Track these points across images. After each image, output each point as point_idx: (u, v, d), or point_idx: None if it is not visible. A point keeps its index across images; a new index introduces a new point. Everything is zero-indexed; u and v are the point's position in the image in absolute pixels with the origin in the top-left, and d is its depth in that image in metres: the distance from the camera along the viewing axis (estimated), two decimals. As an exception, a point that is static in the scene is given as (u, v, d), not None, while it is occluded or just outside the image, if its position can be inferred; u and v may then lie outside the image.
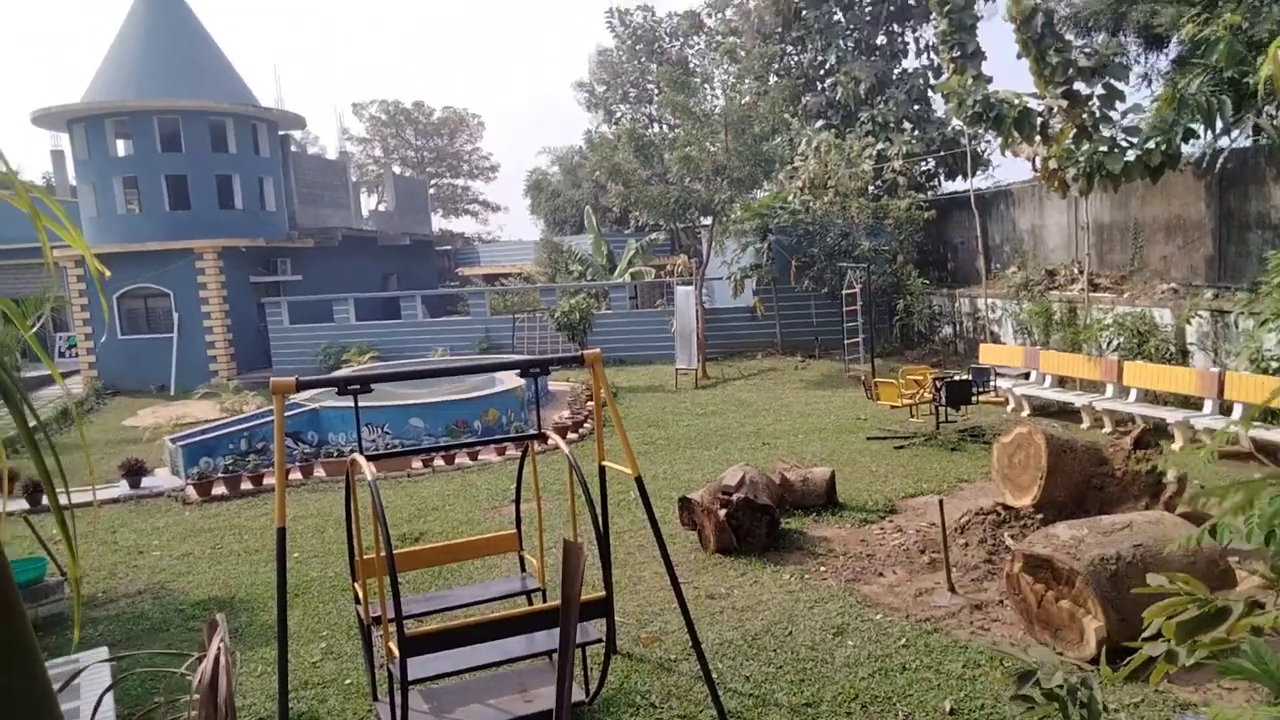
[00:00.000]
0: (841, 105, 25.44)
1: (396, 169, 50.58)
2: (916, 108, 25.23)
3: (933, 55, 24.83)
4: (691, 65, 29.19)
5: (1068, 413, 13.38)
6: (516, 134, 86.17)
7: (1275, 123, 11.26)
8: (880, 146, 23.42)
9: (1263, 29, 10.90)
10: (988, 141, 21.93)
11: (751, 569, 7.90)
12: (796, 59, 26.99)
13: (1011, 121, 13.62)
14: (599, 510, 5.21)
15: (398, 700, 4.80)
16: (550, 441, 5.72)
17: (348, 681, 6.19)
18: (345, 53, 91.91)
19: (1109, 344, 13.96)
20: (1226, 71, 10.73)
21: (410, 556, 6.31)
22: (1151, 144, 12.01)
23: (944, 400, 12.31)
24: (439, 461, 12.68)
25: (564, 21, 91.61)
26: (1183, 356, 13.24)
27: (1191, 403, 11.90)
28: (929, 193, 24.64)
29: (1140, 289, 15.11)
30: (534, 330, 23.87)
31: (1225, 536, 2.73)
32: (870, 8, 25.85)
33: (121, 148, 26.26)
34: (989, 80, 14.63)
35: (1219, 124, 11.02)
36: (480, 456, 12.94)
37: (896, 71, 25.85)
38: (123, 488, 12.19)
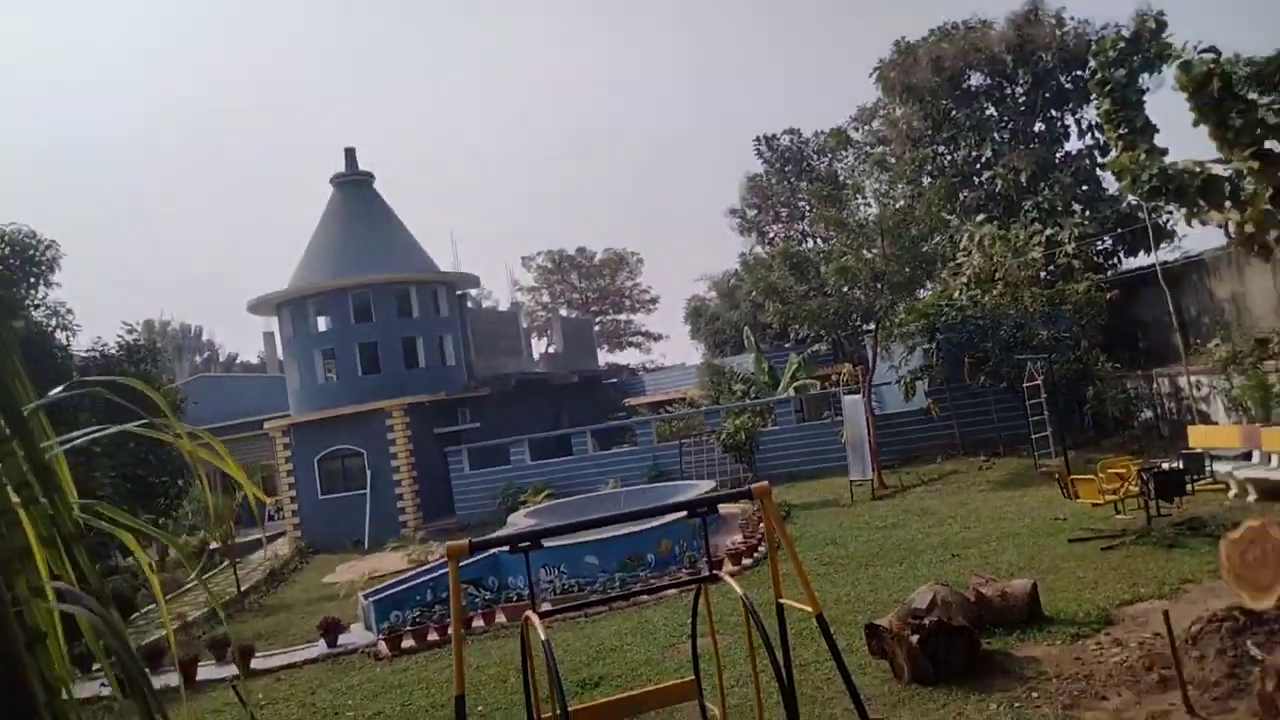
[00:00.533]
0: (1002, 197, 24.78)
1: (563, 312, 53.11)
2: (1085, 188, 24.25)
3: (1097, 134, 23.91)
4: (842, 179, 29.44)
5: (1305, 495, 11.77)
6: (674, 265, 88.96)
7: None
8: (1049, 232, 22.47)
9: None
10: (1169, 213, 20.60)
11: (953, 700, 7.20)
12: (949, 158, 26.70)
13: (1196, 191, 12.77)
14: (780, 653, 4.92)
15: None
16: (725, 581, 5.52)
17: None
18: (514, 210, 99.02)
19: (1345, 414, 12.32)
20: None
21: (587, 713, 6.16)
22: (1363, 197, 10.87)
23: (1154, 492, 11.12)
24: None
25: (714, 154, 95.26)
26: None
27: None
28: (1109, 272, 23.24)
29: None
30: (701, 454, 23.79)
31: None
32: (1024, 97, 25.39)
33: (322, 323, 29.03)
34: (1164, 152, 13.87)
35: None
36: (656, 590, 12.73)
37: (1059, 155, 25.05)
38: (321, 646, 12.79)
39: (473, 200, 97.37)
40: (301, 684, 11.41)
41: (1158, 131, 14.36)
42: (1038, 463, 17.92)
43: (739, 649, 8.82)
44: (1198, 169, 12.71)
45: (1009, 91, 25.79)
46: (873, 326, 21.34)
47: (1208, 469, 12.11)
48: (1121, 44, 15.44)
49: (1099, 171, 24.27)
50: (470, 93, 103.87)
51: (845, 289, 20.46)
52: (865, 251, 20.36)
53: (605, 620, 11.86)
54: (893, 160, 22.79)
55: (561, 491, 24.24)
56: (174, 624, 15.48)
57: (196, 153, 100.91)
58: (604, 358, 52.99)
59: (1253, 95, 12.65)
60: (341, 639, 12.87)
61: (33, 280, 10.66)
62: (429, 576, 14.08)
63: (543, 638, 4.58)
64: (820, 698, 7.76)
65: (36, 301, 10.54)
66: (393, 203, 31.27)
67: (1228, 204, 12.49)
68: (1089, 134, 24.88)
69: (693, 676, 6.25)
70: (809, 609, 5.15)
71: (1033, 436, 18.32)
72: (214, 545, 19.11)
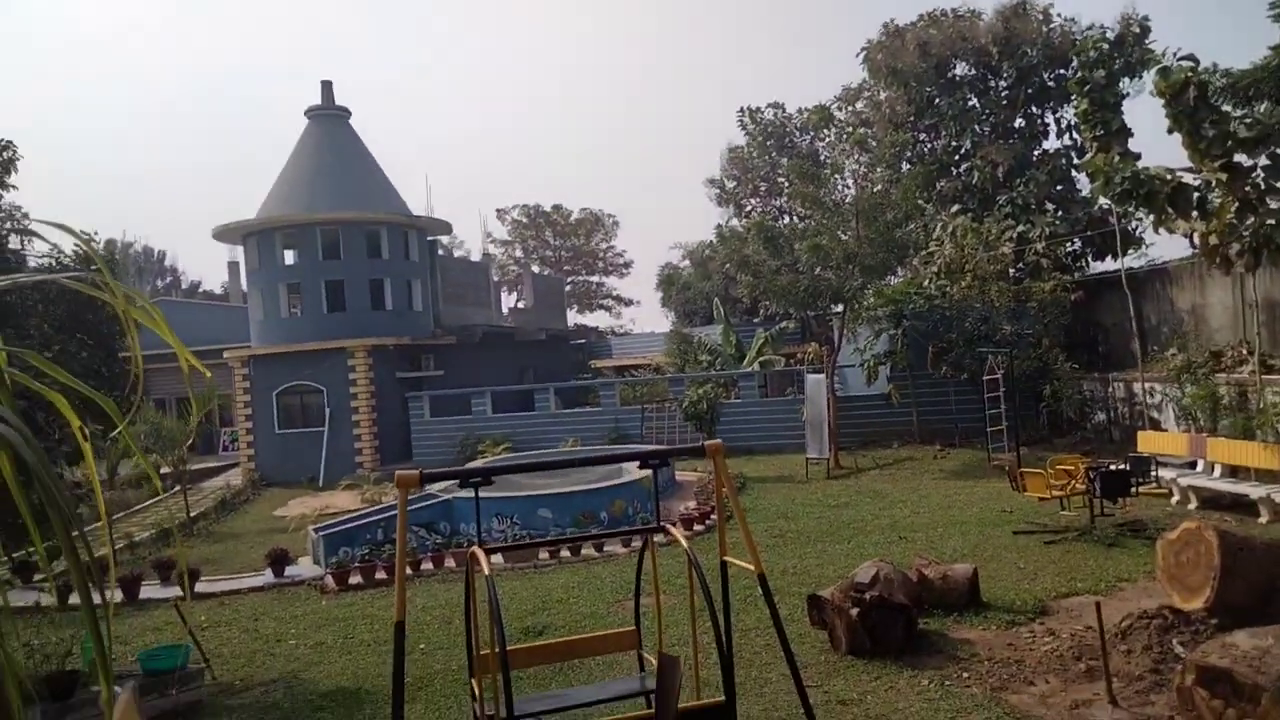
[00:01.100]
0: (978, 189, 24.89)
1: (535, 268, 52.70)
2: (1059, 188, 24.41)
3: (1075, 135, 24.06)
4: (822, 157, 29.36)
5: (1242, 505, 12.11)
6: (649, 231, 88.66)
7: None
8: (1021, 229, 22.66)
9: None
10: (1139, 219, 20.87)
11: (886, 673, 7.37)
12: (930, 145, 26.73)
13: (1165, 198, 12.93)
14: (720, 609, 4.98)
15: None
16: (671, 535, 5.56)
17: (463, 778, 6.08)
18: (491, 160, 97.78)
19: (1288, 430, 12.66)
20: None
21: (527, 653, 6.21)
22: (1327, 215, 11.09)
23: (1099, 492, 11.39)
24: (565, 553, 12.66)
25: (697, 122, 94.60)
26: (1377, 443, 11.84)
27: (1392, 495, 10.56)
28: (1076, 274, 23.54)
29: (1322, 370, 13.74)
30: (663, 420, 23.90)
31: None
32: (1007, 92, 25.43)
33: (289, 257, 28.54)
34: (1137, 157, 14.01)
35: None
36: (606, 548, 12.85)
37: (1036, 153, 25.18)
38: (268, 576, 12.77)
39: (450, 148, 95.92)
40: (245, 610, 11.39)
41: (1132, 136, 14.50)
42: (991, 456, 18.25)
43: (683, 610, 8.95)
44: (1169, 176, 12.88)
45: (992, 84, 25.83)
46: (841, 308, 21.46)
47: (1153, 473, 12.40)
48: (1104, 45, 15.54)
49: (1074, 173, 24.47)
50: (455, 43, 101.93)
51: (817, 268, 20.53)
52: (840, 232, 20.43)
53: (554, 573, 11.95)
54: (874, 143, 22.81)
55: (521, 446, 24.25)
56: (120, 543, 15.33)
57: (170, 72, 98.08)
58: (573, 318, 52.79)
59: (1227, 107, 12.83)
60: (288, 571, 12.86)
61: (-13, 181, 10.26)
62: (381, 516, 14.07)
63: (486, 572, 4.59)
64: (758, 661, 7.92)
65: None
66: (369, 142, 30.74)
67: (1194, 214, 12.69)
68: (1067, 134, 25.03)
69: (633, 627, 6.30)
70: (751, 568, 5.22)
71: (988, 430, 18.64)
72: (165, 469, 18.89)
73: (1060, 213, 23.85)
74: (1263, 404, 13.59)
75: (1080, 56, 15.66)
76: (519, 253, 59.21)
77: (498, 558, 12.20)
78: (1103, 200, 19.41)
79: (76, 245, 9.83)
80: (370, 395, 26.18)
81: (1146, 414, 17.70)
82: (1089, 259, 24.87)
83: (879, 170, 22.32)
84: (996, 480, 15.71)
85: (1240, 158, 12.26)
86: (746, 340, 30.98)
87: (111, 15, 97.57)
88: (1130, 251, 21.11)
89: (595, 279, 60.58)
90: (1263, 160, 12.18)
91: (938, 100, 25.77)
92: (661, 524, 5.71)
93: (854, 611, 7.82)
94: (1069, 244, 23.88)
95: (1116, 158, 13.84)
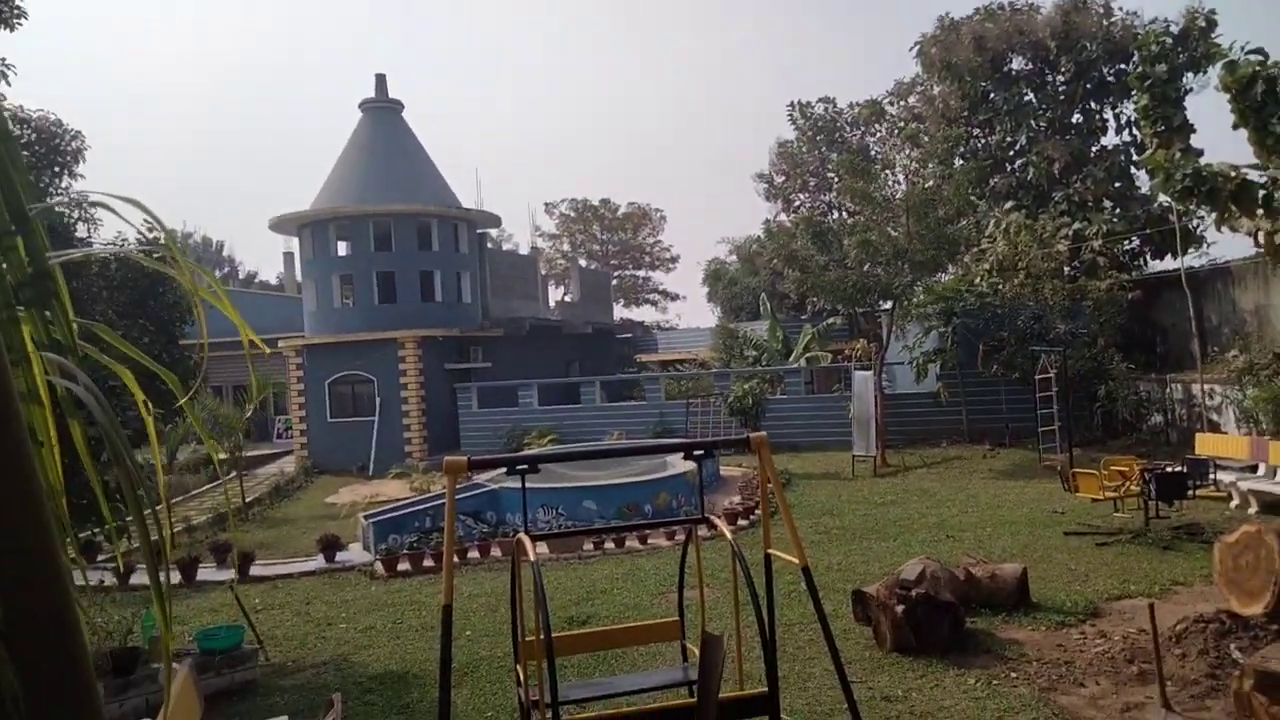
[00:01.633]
0: (1033, 186, 24.45)
1: (582, 262, 52.95)
2: (1118, 185, 23.88)
3: (1135, 131, 23.49)
4: (873, 153, 29.02)
5: (1306, 511, 11.76)
6: (696, 226, 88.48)
7: None
8: (1077, 226, 22.19)
9: None
10: (1200, 217, 20.32)
11: (932, 671, 7.31)
12: (984, 141, 26.32)
13: (1228, 195, 12.59)
14: (763, 601, 4.98)
15: None
16: (715, 527, 5.56)
17: (508, 762, 6.17)
18: (541, 155, 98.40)
19: (1356, 434, 12.25)
20: None
21: (571, 640, 6.27)
22: (1399, 212, 10.71)
23: (1154, 494, 11.13)
24: (609, 544, 12.75)
25: (746, 117, 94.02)
26: None
27: None
28: (1134, 273, 23.00)
29: (1394, 372, 13.26)
30: (707, 415, 23.88)
31: None
32: (1065, 87, 24.92)
33: (342, 248, 29.07)
34: (1199, 153, 13.65)
35: None
36: (650, 540, 12.91)
37: (1094, 149, 24.64)
38: (319, 561, 13.08)
39: (500, 142, 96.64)
40: (298, 594, 11.68)
41: (1195, 132, 14.14)
42: (1042, 456, 17.93)
43: (726, 603, 8.95)
44: (1233, 173, 12.55)
45: (1050, 79, 25.33)
46: (890, 304, 21.22)
47: (1211, 476, 12.09)
48: (1167, 39, 15.17)
49: (1133, 169, 23.92)
50: (507, 37, 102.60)
51: (866, 264, 20.33)
52: (890, 228, 20.20)
53: (598, 564, 12.04)
54: (926, 138, 22.50)
55: (566, 438, 24.41)
56: (178, 526, 15.80)
57: (229, 66, 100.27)
58: (619, 312, 52.94)
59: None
60: (340, 556, 13.14)
61: (57, 170, 10.65)
62: (429, 504, 14.30)
63: (532, 559, 4.63)
64: (802, 656, 7.89)
65: (60, 191, 10.54)
66: (420, 135, 31.12)
67: (1260, 212, 12.34)
68: (1127, 130, 24.47)
69: (676, 618, 6.32)
70: (795, 560, 5.20)
71: (1040, 430, 18.31)
72: (222, 455, 19.40)
73: (1118, 210, 23.35)
74: (1329, 407, 13.17)
75: (1142, 51, 15.31)
76: (566, 246, 59.55)
77: (543, 547, 12.32)
78: (1163, 197, 18.96)
79: (140, 234, 10.15)
80: (419, 386, 26.55)
81: (1205, 416, 17.25)
82: (1147, 257, 24.32)
83: (931, 166, 22.01)
84: (1047, 481, 15.44)
85: (1311, 154, 11.90)
86: (793, 336, 30.79)
87: (167, 6, 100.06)
88: (1190, 250, 20.60)
89: (642, 273, 60.69)
90: (1333, 156, 11.82)
91: (992, 95, 25.36)
92: (706, 516, 5.71)
93: (899, 608, 7.75)
94: (1127, 242, 23.36)
95: (1178, 154, 13.52)
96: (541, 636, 4.56)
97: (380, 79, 30.48)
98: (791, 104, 38.81)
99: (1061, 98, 25.03)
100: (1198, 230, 21.47)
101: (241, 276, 65.95)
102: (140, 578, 11.90)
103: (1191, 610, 7.84)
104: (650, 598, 10.14)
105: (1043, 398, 18.34)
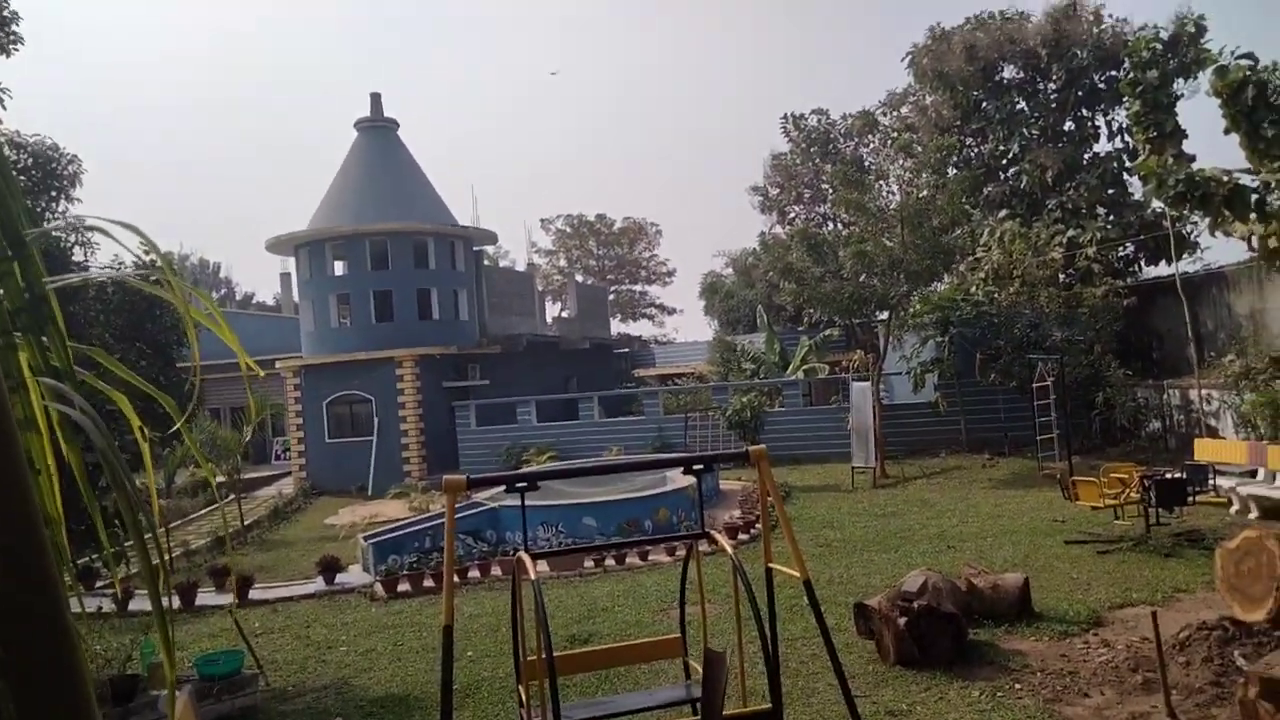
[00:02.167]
0: (1026, 194, 24.54)
1: (579, 278, 53.04)
2: (1111, 192, 23.96)
3: (1127, 137, 23.60)
4: (867, 163, 29.15)
5: (1307, 515, 11.76)
6: (692, 239, 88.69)
7: None
8: (1071, 233, 22.26)
9: None
10: (1194, 223, 20.40)
11: (936, 684, 7.28)
12: (976, 150, 26.42)
13: (1221, 200, 12.65)
14: (765, 616, 4.95)
15: None
16: (716, 542, 5.54)
17: (510, 784, 6.13)
18: (536, 171, 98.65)
19: (1354, 437, 12.27)
20: None
21: (573, 659, 6.23)
22: (1393, 213, 10.76)
23: (1154, 501, 11.13)
24: (610, 561, 12.70)
25: (741, 130, 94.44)
26: None
27: None
28: (1129, 279, 23.07)
29: (1389, 374, 13.30)
30: (706, 429, 23.86)
31: None
32: (1057, 94, 25.05)
33: (339, 268, 29.10)
34: (1192, 158, 13.72)
35: None
36: (651, 556, 12.87)
37: (1087, 156, 24.74)
38: (319, 583, 13.02)
39: (495, 158, 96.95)
40: (298, 617, 11.62)
41: (1187, 137, 14.21)
42: (1041, 465, 17.93)
43: (728, 618, 8.92)
44: (1225, 178, 12.60)
45: (1041, 87, 25.46)
46: (886, 315, 21.25)
47: (1210, 482, 12.09)
48: (1157, 45, 15.26)
49: (1126, 176, 24.00)
50: (501, 54, 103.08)
51: (862, 275, 20.37)
52: (885, 238, 20.25)
53: (598, 581, 11.99)
54: (919, 148, 22.59)
55: (565, 454, 24.37)
56: (176, 550, 15.74)
57: (224, 87, 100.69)
58: (617, 327, 52.99)
59: (1286, 106, 12.52)
60: (339, 578, 13.08)
61: (54, 194, 10.67)
62: (429, 525, 14.24)
63: (533, 577, 4.60)
64: (805, 670, 7.86)
65: (56, 216, 10.55)
66: (416, 153, 31.23)
67: (1253, 216, 12.40)
68: (1119, 136, 24.58)
69: (678, 635, 6.28)
70: (797, 574, 5.18)
71: (1039, 438, 18.31)
72: (220, 478, 19.35)
73: (1112, 217, 23.42)
74: (1327, 411, 13.19)
75: (1132, 57, 15.39)
76: (563, 262, 59.64)
77: (543, 565, 12.27)
78: (1156, 203, 19.03)
79: (137, 256, 10.15)
80: (417, 404, 26.53)
81: (1203, 421, 17.27)
82: (1142, 263, 24.38)
83: (924, 175, 22.09)
84: (1047, 489, 15.44)
85: (1301, 158, 11.97)
86: (790, 348, 30.82)
87: (164, 26, 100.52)
88: (1185, 255, 20.66)
89: (639, 288, 60.79)
90: (1324, 160, 11.88)
91: (985, 104, 25.48)
92: (707, 530, 5.68)
93: (902, 621, 7.72)
94: (1121, 248, 23.43)
95: (1170, 160, 13.58)
96: (543, 656, 4.54)
97: (375, 98, 30.62)
98: (785, 116, 38.99)
99: (1053, 105, 25.16)
100: (1191, 236, 21.54)
101: (239, 298, 65.98)
102: (139, 604, 11.86)
103: (1194, 617, 7.82)
104: (652, 614, 10.10)
105: (1040, 406, 18.35)
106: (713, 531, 5.59)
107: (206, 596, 12.67)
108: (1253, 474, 13.11)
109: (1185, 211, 16.07)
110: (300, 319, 30.13)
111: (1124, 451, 18.37)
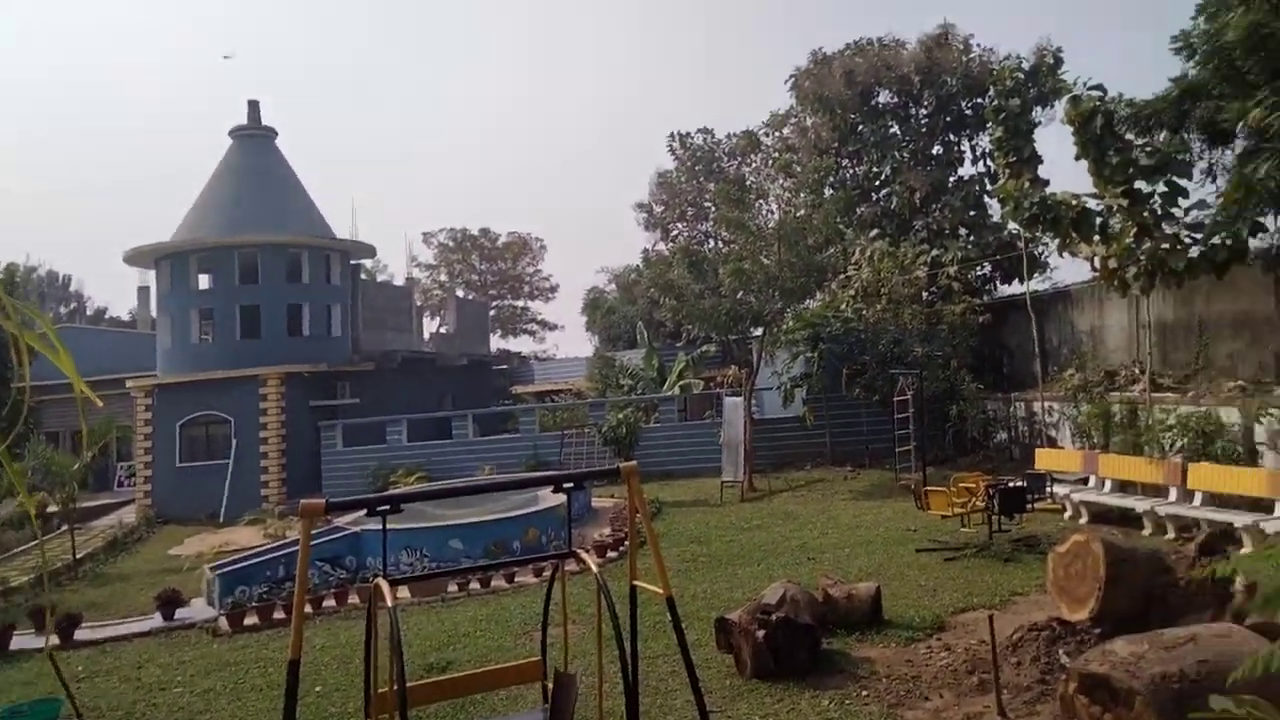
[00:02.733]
0: (896, 214, 25.51)
1: (460, 292, 52.19)
2: (972, 213, 25.12)
3: (989, 162, 24.89)
4: (748, 182, 29.86)
5: (1129, 519, 12.59)
6: (577, 255, 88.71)
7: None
8: (935, 253, 23.28)
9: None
10: (1045, 244, 21.66)
11: (789, 695, 7.38)
12: (852, 171, 27.27)
13: (1069, 222, 13.44)
14: (626, 634, 4.90)
15: None
16: (583, 561, 5.44)
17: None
18: (420, 184, 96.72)
19: (1172, 445, 13.21)
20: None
21: (427, 689, 6.00)
22: (1217, 239, 11.66)
23: (997, 509, 11.69)
24: (475, 585, 12.40)
25: (627, 147, 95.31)
26: (1251, 457, 12.42)
27: (1262, 505, 11.06)
28: (985, 297, 24.29)
29: (1205, 388, 14.40)
30: (582, 446, 23.77)
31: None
32: (927, 119, 26.19)
33: (203, 281, 27.63)
34: (1046, 183, 14.53)
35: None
36: (517, 578, 12.64)
37: (952, 179, 25.90)
38: (156, 620, 12.15)
39: (377, 170, 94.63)
40: (128, 657, 10.80)
41: (1042, 163, 15.06)
42: (898, 475, 18.61)
43: (592, 638, 8.83)
44: (1074, 201, 13.40)
45: (913, 112, 26.58)
46: (761, 331, 21.72)
47: (1048, 489, 12.79)
48: (1020, 75, 16.13)
49: (987, 198, 25.24)
50: (383, 62, 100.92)
51: (739, 291, 20.74)
52: (763, 256, 20.68)
53: (461, 606, 11.69)
54: (798, 168, 23.22)
55: (436, 475, 23.77)
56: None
57: (83, 89, 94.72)
58: (497, 343, 52.32)
59: (1130, 135, 13.45)
60: (180, 613, 12.25)
61: None
62: (283, 552, 13.57)
63: (389, 604, 4.40)
64: (664, 689, 7.83)
65: None
66: (294, 163, 30.07)
67: (1096, 238, 13.21)
68: (981, 161, 25.86)
69: (538, 658, 6.16)
70: (660, 591, 5.15)
71: (897, 450, 19.01)
72: (52, 507, 17.94)
73: (972, 237, 24.53)
74: (1151, 420, 14.16)
75: (997, 85, 16.19)
76: (444, 277, 58.52)
77: (404, 591, 11.87)
78: (1012, 225, 20.11)
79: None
80: (280, 425, 25.39)
81: (1045, 432, 18.28)
82: (997, 282, 25.66)
83: (803, 195, 22.71)
84: (903, 500, 16.00)
85: (1140, 184, 12.83)
86: (669, 364, 31.11)
87: (20, 21, 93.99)
88: (1036, 275, 21.86)
89: (520, 303, 60.23)
90: (1160, 187, 12.77)
91: (861, 127, 26.40)
92: (573, 550, 5.58)
93: (760, 633, 7.81)
94: (979, 268, 24.61)
95: (1027, 183, 14.35)
96: (394, 686, 4.34)
97: (254, 105, 29.38)
98: (671, 134, 39.50)
99: (924, 130, 26.25)
100: (1043, 256, 22.84)
101: (89, 313, 61.90)
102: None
103: (1027, 619, 8.20)
104: (514, 638, 9.89)
105: (900, 419, 19.06)
106: (579, 550, 5.49)
107: (24, 639, 11.60)
108: (1085, 481, 13.94)
109: (1038, 233, 17.00)
110: (157, 335, 28.46)
111: (974, 461, 19.21)
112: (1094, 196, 13.34)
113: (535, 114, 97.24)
